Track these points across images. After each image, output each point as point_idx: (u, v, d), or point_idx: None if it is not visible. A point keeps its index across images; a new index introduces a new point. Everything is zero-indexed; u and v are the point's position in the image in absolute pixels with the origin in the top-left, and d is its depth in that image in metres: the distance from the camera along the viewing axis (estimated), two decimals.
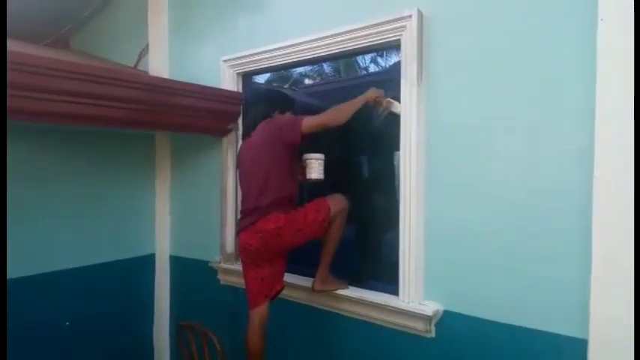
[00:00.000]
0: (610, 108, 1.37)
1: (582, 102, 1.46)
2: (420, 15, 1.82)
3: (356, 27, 1.98)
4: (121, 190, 2.80)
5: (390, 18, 1.87)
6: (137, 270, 2.89)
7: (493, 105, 1.67)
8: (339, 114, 1.88)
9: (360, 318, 2.04)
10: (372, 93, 1.92)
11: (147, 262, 2.94)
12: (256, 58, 2.41)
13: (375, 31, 1.94)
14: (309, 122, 1.87)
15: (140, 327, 2.93)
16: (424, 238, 1.84)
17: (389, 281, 1.99)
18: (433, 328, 1.82)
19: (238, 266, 2.33)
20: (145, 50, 2.98)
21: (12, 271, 2.21)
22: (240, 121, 2.58)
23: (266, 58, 2.37)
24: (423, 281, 1.84)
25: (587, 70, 1.43)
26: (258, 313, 1.97)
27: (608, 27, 1.37)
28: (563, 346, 1.53)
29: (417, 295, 1.84)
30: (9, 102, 1.72)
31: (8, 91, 1.69)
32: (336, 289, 2.07)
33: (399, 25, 1.86)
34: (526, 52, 1.60)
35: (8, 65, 1.65)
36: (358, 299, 2.00)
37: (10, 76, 1.68)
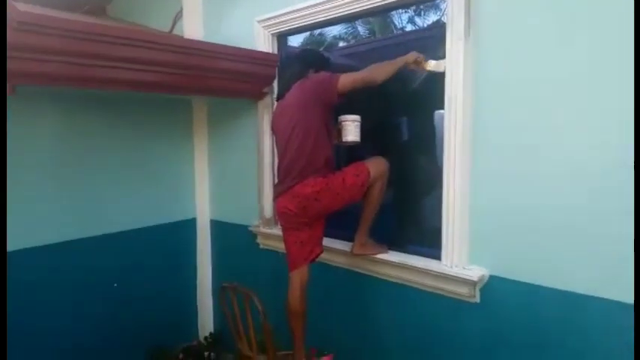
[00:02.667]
0: None
1: None
2: None
3: None
4: (162, 157, 2.85)
5: None
6: (180, 234, 2.97)
7: (550, 62, 1.53)
8: (376, 72, 1.81)
9: (402, 282, 2.01)
10: (412, 55, 1.82)
11: (188, 226, 3.02)
12: (291, 17, 2.32)
13: None
14: (345, 79, 1.80)
15: (184, 289, 3.03)
16: (469, 201, 1.76)
17: (430, 245, 1.94)
18: (478, 294, 1.77)
19: (277, 230, 2.34)
20: (179, 15, 2.94)
21: (66, 235, 2.39)
22: (275, 84, 2.53)
23: (301, 16, 2.28)
24: (467, 245, 1.78)
25: None
26: (299, 274, 1.98)
27: None
28: (616, 313, 1.45)
29: (460, 259, 1.78)
30: (52, 68, 1.76)
31: (52, 57, 1.72)
32: (375, 254, 2.05)
33: None
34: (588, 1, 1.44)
35: (51, 31, 1.67)
36: (399, 263, 1.97)
37: (52, 42, 1.70)
